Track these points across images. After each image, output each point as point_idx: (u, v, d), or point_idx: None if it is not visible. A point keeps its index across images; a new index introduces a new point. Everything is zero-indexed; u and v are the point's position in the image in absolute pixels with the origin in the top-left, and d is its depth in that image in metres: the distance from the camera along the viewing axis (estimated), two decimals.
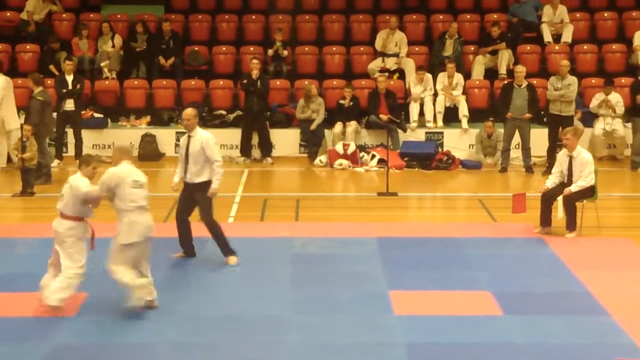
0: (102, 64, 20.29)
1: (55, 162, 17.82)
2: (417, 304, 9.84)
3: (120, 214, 9.57)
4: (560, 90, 17.30)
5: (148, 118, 19.78)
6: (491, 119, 18.48)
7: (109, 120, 19.59)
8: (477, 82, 20.22)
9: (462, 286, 10.42)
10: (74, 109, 18.13)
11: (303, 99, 19.04)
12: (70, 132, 18.32)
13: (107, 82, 20.22)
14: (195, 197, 11.17)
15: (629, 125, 18.33)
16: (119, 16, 21.71)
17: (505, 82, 18.79)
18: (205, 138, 11.10)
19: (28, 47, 20.70)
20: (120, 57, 20.54)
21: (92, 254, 11.02)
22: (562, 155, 12.84)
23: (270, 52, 20.42)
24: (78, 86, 18.20)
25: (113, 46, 20.49)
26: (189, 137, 11.14)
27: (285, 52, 20.46)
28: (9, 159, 17.33)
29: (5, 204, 14.57)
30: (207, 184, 11.12)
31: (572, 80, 17.43)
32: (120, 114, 19.93)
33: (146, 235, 9.60)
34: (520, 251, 11.94)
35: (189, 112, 11.26)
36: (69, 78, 18.20)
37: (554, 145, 17.10)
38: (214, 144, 11.16)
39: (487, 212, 14.23)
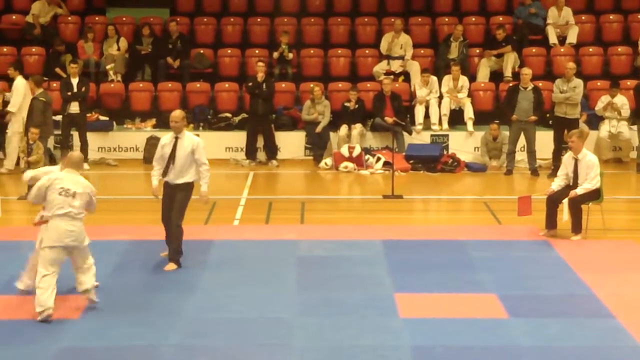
0: (108, 67, 20.31)
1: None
2: (423, 306, 9.83)
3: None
4: (566, 93, 17.28)
5: (153, 121, 19.78)
6: (496, 121, 18.45)
7: (114, 123, 19.60)
8: (483, 85, 20.21)
9: (468, 289, 10.40)
10: (79, 111, 18.14)
11: (309, 100, 19.04)
12: (75, 135, 18.32)
13: (112, 85, 20.24)
14: (176, 196, 11.15)
15: (635, 127, 18.30)
16: (124, 19, 21.73)
17: (511, 84, 18.78)
18: (196, 142, 11.16)
19: (33, 50, 20.73)
20: (126, 59, 20.56)
21: (99, 258, 11.08)
22: (567, 158, 12.82)
23: (275, 54, 20.43)
24: (83, 89, 18.21)
25: (118, 49, 20.51)
26: (176, 138, 11.16)
27: (291, 55, 20.46)
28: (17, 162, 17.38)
29: (11, 206, 14.58)
30: (189, 185, 11.16)
31: (578, 82, 17.42)
32: (126, 117, 19.94)
33: (64, 243, 9.58)
34: (526, 254, 11.92)
35: (178, 114, 11.28)
36: (74, 81, 18.21)
37: (560, 147, 17.08)
38: (203, 147, 11.20)
39: (492, 215, 14.21)
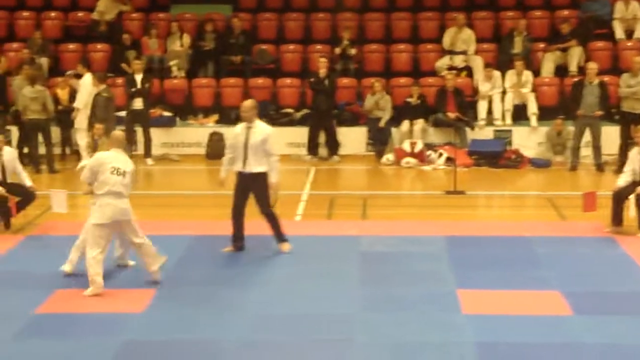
0: (171, 63, 20.49)
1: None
2: (486, 303, 9.75)
3: (96, 198, 10.16)
4: (633, 88, 17.02)
5: (216, 116, 19.92)
6: (561, 116, 18.24)
7: (177, 118, 19.77)
8: (547, 80, 19.98)
9: (531, 285, 10.30)
10: (142, 107, 18.31)
11: (369, 94, 19.02)
12: (139, 130, 18.52)
13: (175, 81, 20.41)
14: (252, 187, 11.31)
15: None
16: (187, 15, 21.90)
17: (576, 79, 18.54)
18: (267, 131, 11.34)
19: (99, 46, 21.00)
20: (189, 56, 20.72)
21: (162, 253, 11.19)
22: (634, 154, 12.61)
23: (337, 50, 20.42)
24: (147, 85, 18.39)
25: (181, 45, 20.68)
26: (248, 127, 11.29)
27: (353, 51, 20.43)
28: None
29: (76, 201, 14.77)
30: (265, 175, 11.29)
31: None
32: (189, 113, 20.10)
33: (116, 219, 10.05)
34: (591, 250, 11.77)
35: (247, 104, 11.46)
36: (138, 77, 18.39)
37: (626, 143, 16.81)
38: (273, 138, 11.39)
39: (556, 211, 14.05)
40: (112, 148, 10.35)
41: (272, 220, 11.57)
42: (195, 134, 19.45)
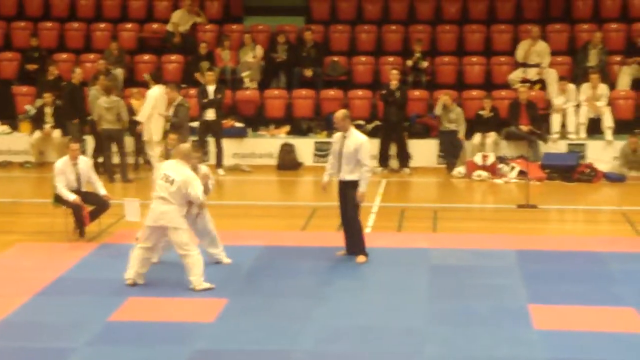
0: (243, 74, 20.64)
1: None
2: (558, 318, 9.62)
3: None
4: None
5: (287, 127, 20.00)
6: (636, 131, 17.94)
7: (249, 129, 19.90)
8: (623, 93, 19.69)
9: (605, 301, 10.13)
10: (215, 118, 18.47)
11: (441, 108, 18.95)
12: (211, 141, 18.68)
13: (247, 92, 20.55)
14: (346, 193, 11.60)
15: None
16: (260, 27, 22.06)
17: None
18: (360, 141, 11.54)
19: (173, 57, 21.26)
20: (261, 67, 20.86)
21: (233, 262, 11.27)
22: None
23: (409, 62, 20.37)
24: (219, 96, 18.55)
25: (254, 57, 20.83)
26: (344, 137, 11.58)
27: (425, 64, 20.38)
28: None
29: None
30: (356, 183, 11.54)
31: None
32: (260, 124, 20.23)
33: (157, 223, 10.53)
34: None
35: (338, 115, 11.73)
36: (211, 88, 18.56)
37: None
38: (367, 148, 11.57)
39: (631, 227, 13.81)
40: (177, 158, 10.73)
41: (355, 225, 11.70)
42: (266, 144, 19.56)
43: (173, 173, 10.52)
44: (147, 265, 10.77)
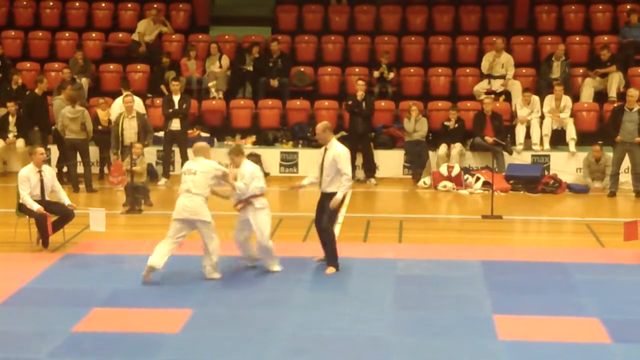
0: (210, 84, 20.61)
1: (163, 181, 18.16)
2: (522, 329, 9.66)
3: None
4: None
5: (253, 138, 19.99)
6: (600, 142, 18.12)
7: (215, 139, 19.86)
8: (586, 105, 19.87)
9: (569, 312, 10.20)
10: (180, 128, 18.42)
11: (406, 119, 19.01)
12: (177, 151, 18.61)
13: (213, 102, 20.52)
14: (324, 204, 11.68)
15: None
16: (226, 37, 22.05)
17: (616, 105, 18.42)
18: (338, 151, 11.65)
19: (138, 67, 21.18)
20: (227, 77, 20.84)
21: (196, 275, 11.26)
22: None
23: (376, 74, 20.44)
24: (184, 106, 18.50)
25: (220, 67, 20.80)
26: (325, 149, 11.73)
27: (391, 75, 20.46)
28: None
29: (113, 221, 14.87)
30: (333, 195, 11.63)
31: None
32: (226, 134, 20.19)
33: (182, 216, 11.15)
34: (630, 277, 11.63)
35: (319, 127, 11.94)
36: (176, 98, 18.51)
37: None
38: (346, 158, 11.65)
39: (595, 237, 13.93)
40: (197, 156, 11.48)
41: (328, 236, 11.76)
42: None
43: (195, 166, 11.25)
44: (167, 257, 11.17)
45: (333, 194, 11.55)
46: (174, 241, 11.28)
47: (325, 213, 11.64)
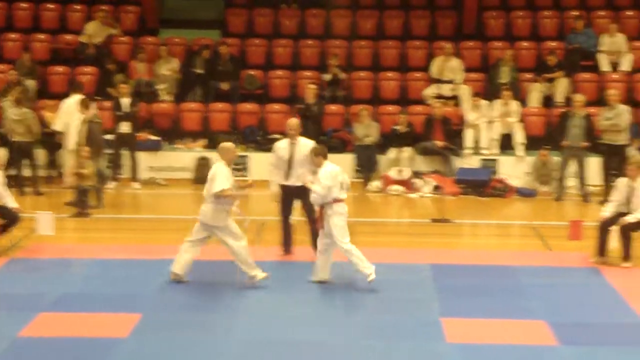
0: (159, 87, 20.50)
1: (112, 184, 18.02)
2: (470, 332, 9.75)
3: None
4: (611, 120, 17.15)
5: (203, 141, 19.91)
6: (547, 147, 18.33)
7: (165, 142, 19.76)
8: (534, 110, 20.08)
9: (517, 315, 10.30)
10: (129, 131, 18.31)
11: (356, 123, 19.07)
12: (126, 154, 18.49)
13: (163, 105, 20.41)
14: (300, 198, 12.05)
15: None
16: (176, 40, 21.93)
17: (563, 110, 18.65)
18: (310, 145, 12.01)
19: (86, 69, 20.99)
20: (177, 80, 20.74)
21: (147, 277, 11.18)
22: (621, 185, 12.66)
23: (327, 76, 20.47)
24: (134, 109, 18.39)
25: (170, 69, 20.70)
26: (292, 144, 12.05)
27: (344, 75, 20.50)
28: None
29: (61, 224, 14.73)
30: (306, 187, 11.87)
31: (622, 109, 17.33)
32: (176, 137, 20.09)
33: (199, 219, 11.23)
34: (576, 281, 11.79)
35: (294, 122, 12.32)
36: (125, 101, 18.40)
37: (609, 174, 16.96)
38: None
39: (542, 241, 14.08)
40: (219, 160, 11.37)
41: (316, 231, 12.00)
42: (182, 158, 19.43)
43: (212, 170, 11.16)
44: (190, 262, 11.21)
45: (303, 187, 11.76)
46: (193, 243, 11.26)
47: (311, 207, 11.85)
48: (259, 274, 11.21)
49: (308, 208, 12.19)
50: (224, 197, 10.99)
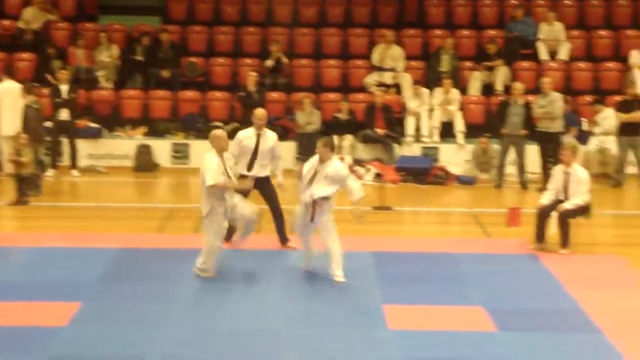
0: (99, 74, 20.30)
1: (51, 172, 17.80)
2: (411, 318, 9.82)
3: None
4: (545, 108, 17.36)
5: (144, 129, 19.78)
6: (487, 134, 18.51)
7: (104, 130, 19.58)
8: (474, 98, 20.26)
9: (456, 301, 10.40)
10: (69, 118, 18.11)
11: (298, 111, 19.07)
12: (65, 141, 18.29)
13: (103, 92, 20.22)
14: (264, 188, 12.07)
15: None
16: (116, 26, 21.72)
17: (502, 98, 18.84)
18: (275, 136, 12.18)
19: (25, 55, 20.70)
20: (117, 67, 20.55)
21: (87, 265, 11.08)
22: (558, 171, 12.84)
23: (269, 62, 20.42)
24: (73, 96, 18.19)
25: (110, 56, 20.50)
26: (259, 134, 12.00)
27: (286, 60, 20.47)
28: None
29: (1, 212, 14.55)
30: (269, 177, 12.11)
31: (556, 96, 17.52)
32: (116, 124, 19.93)
33: None
34: (515, 267, 11.93)
35: (263, 113, 12.30)
36: (64, 87, 18.19)
37: (546, 161, 17.19)
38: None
39: (481, 228, 14.23)
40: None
41: (280, 214, 12.22)
42: (122, 146, 19.28)
43: (202, 161, 10.74)
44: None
45: (268, 177, 12.04)
46: None
47: (272, 194, 12.07)
48: (208, 272, 11.02)
49: (272, 200, 12.23)
50: (218, 188, 10.71)
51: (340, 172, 11.07)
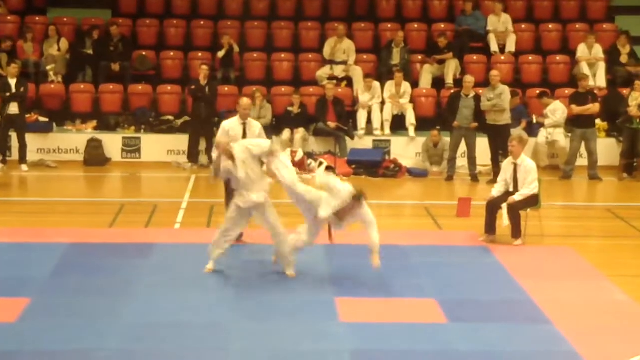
0: (48, 68, 20.09)
1: None
2: (362, 311, 9.86)
3: None
4: (492, 101, 17.49)
5: (94, 122, 19.61)
6: (438, 127, 18.61)
7: (54, 124, 19.39)
8: (425, 91, 20.36)
9: (408, 293, 10.47)
10: (18, 112, 17.91)
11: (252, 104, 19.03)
12: (14, 136, 18.09)
13: (52, 86, 20.02)
14: None
15: (570, 135, 18.60)
16: (65, 19, 21.51)
17: (453, 91, 18.95)
18: (259, 125, 12.22)
19: None
20: (66, 60, 20.36)
21: (37, 260, 10.98)
22: (506, 164, 12.97)
23: (220, 53, 20.33)
24: (22, 89, 17.99)
25: (59, 50, 20.30)
26: (244, 123, 11.97)
27: (237, 48, 20.40)
28: None
29: None
30: None
31: (503, 89, 17.63)
32: (66, 118, 19.74)
33: None
34: (465, 259, 12.02)
35: (248, 102, 12.36)
36: (13, 81, 17.98)
37: (496, 153, 17.33)
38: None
39: (433, 220, 14.31)
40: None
41: None
42: (72, 140, 19.11)
43: None
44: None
45: None
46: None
47: None
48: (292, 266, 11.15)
49: None
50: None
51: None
